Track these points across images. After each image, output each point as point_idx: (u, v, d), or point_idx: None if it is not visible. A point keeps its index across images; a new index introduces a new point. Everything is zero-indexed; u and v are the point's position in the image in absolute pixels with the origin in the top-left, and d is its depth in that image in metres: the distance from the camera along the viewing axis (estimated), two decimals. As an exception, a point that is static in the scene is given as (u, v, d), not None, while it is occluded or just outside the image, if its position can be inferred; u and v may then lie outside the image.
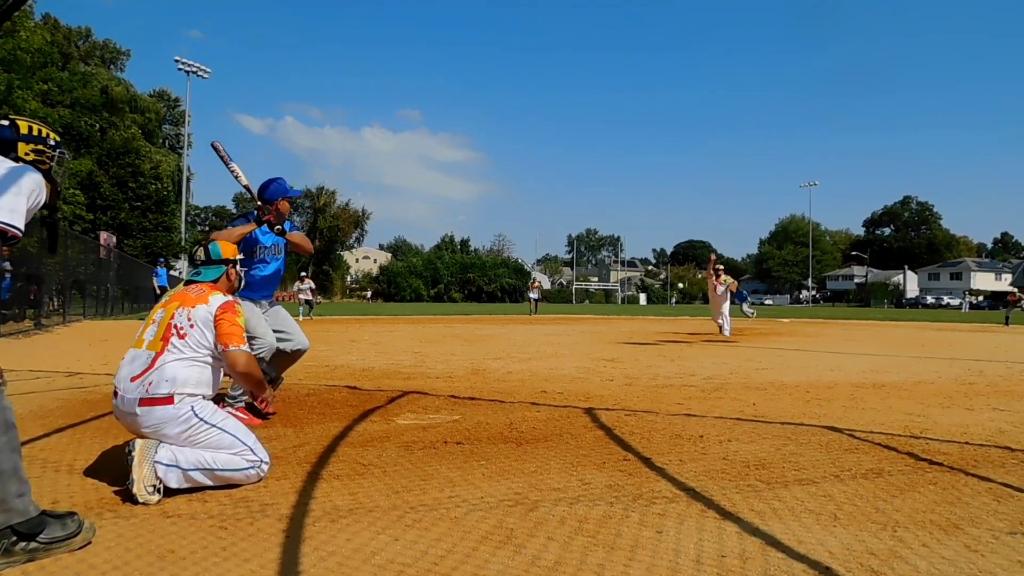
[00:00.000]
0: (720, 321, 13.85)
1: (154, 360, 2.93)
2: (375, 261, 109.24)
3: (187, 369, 2.96)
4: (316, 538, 2.36)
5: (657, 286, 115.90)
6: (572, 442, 3.93)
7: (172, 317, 3.04)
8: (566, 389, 6.13)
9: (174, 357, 2.94)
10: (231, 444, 2.95)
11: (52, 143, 2.67)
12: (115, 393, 2.97)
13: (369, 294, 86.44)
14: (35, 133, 2.62)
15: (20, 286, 15.16)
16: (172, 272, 33.15)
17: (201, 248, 3.40)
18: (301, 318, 22.44)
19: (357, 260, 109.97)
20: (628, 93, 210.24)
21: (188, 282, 3.35)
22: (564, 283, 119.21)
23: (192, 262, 3.38)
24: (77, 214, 29.85)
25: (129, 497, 2.71)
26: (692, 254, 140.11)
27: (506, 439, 3.99)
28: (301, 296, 23.80)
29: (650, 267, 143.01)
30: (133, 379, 2.91)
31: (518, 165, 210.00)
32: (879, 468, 3.38)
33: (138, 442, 2.77)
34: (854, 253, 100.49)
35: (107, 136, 39.09)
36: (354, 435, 4.07)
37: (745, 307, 16.63)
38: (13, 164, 2.44)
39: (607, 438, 4.06)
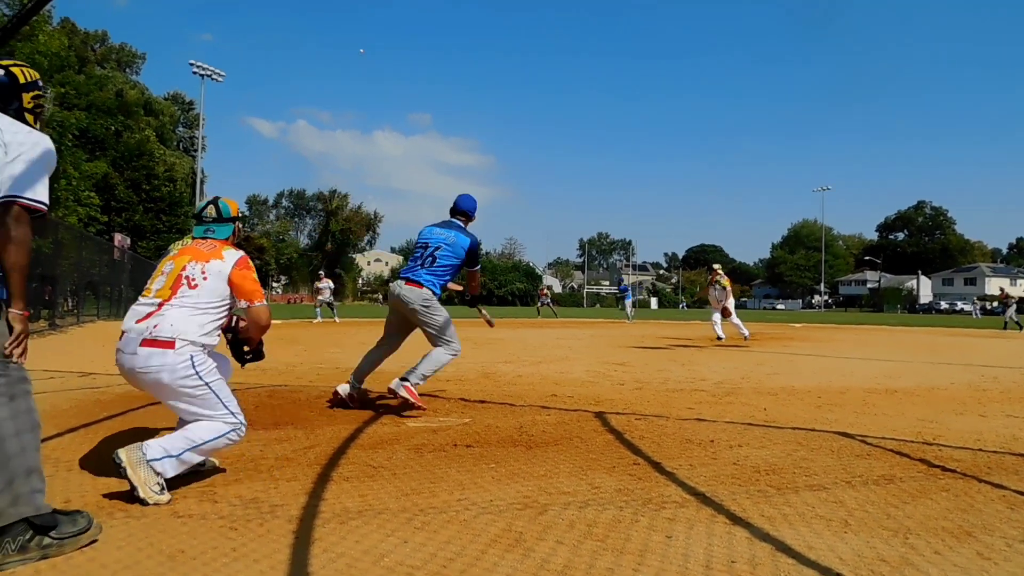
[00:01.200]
0: (736, 321, 13.89)
1: (160, 305, 2.98)
2: (387, 264, 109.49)
3: (192, 317, 2.98)
4: (326, 540, 2.37)
5: (668, 290, 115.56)
6: (582, 446, 3.93)
7: (183, 269, 3.07)
8: (576, 393, 6.12)
9: (181, 304, 2.98)
10: (214, 405, 2.96)
11: (41, 85, 2.69)
12: (120, 336, 2.99)
13: (381, 297, 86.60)
14: (31, 79, 2.64)
15: (35, 287, 15.30)
16: None
17: (212, 206, 3.40)
18: (321, 320, 22.48)
19: (369, 263, 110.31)
20: (638, 98, 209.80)
21: (196, 238, 3.33)
22: (575, 287, 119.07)
23: (200, 219, 3.37)
24: (92, 216, 30.09)
25: (140, 498, 2.73)
26: (704, 258, 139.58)
27: (516, 442, 4.00)
28: (320, 298, 23.80)
29: (662, 271, 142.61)
30: (138, 321, 2.95)
31: (529, 168, 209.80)
32: (891, 474, 3.36)
33: (122, 452, 2.72)
34: (867, 258, 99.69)
35: (122, 139, 39.45)
36: (364, 437, 4.09)
37: (628, 306, 16.29)
38: (26, 131, 2.44)
39: (617, 442, 4.06)
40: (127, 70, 50.18)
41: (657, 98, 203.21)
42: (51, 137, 2.58)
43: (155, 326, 2.91)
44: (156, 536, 2.37)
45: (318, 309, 23.54)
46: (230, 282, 3.10)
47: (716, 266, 15.13)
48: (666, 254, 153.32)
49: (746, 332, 14.00)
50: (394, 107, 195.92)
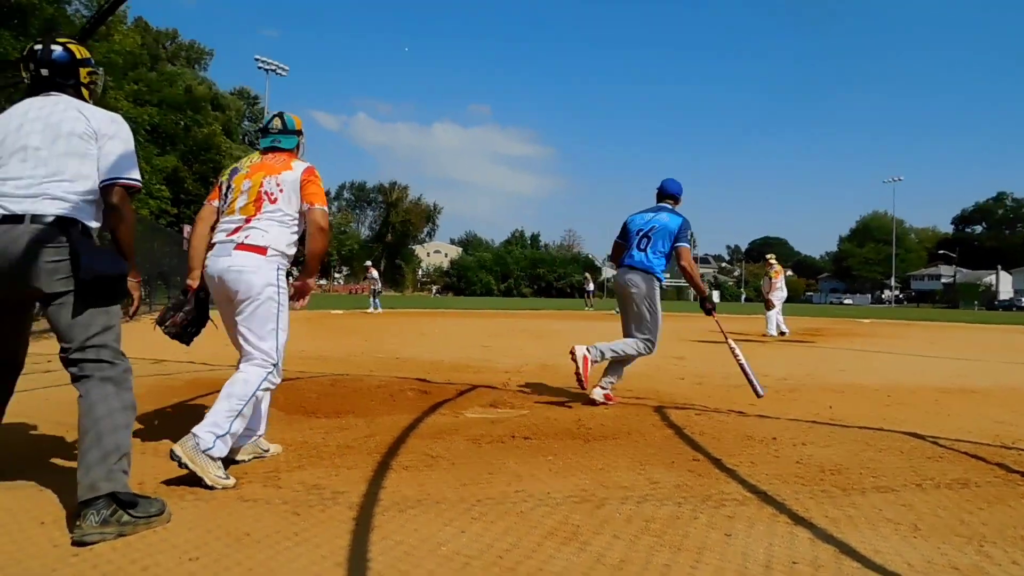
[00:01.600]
0: (770, 315, 13.95)
1: (248, 220, 3.18)
2: (446, 255, 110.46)
3: (278, 228, 3.19)
4: (384, 527, 2.42)
5: (731, 283, 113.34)
6: (640, 440, 3.89)
7: (261, 185, 3.23)
8: (635, 386, 6.07)
9: (267, 217, 3.18)
10: (270, 331, 3.12)
11: (93, 62, 2.91)
12: (210, 247, 3.24)
13: (435, 289, 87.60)
14: (86, 56, 2.84)
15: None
16: None
17: (277, 118, 3.53)
18: (373, 311, 22.87)
19: (428, 254, 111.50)
20: (700, 88, 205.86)
21: (265, 150, 3.45)
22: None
23: (267, 131, 3.50)
24: (163, 208, 31.30)
25: (208, 486, 2.82)
26: (768, 251, 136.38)
27: (573, 435, 3.99)
28: (374, 288, 24.12)
29: (724, 264, 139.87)
30: (228, 235, 3.17)
31: (588, 160, 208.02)
32: (965, 478, 3.22)
33: (177, 448, 2.82)
34: (941, 252, 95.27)
35: (191, 133, 40.84)
36: (423, 427, 4.15)
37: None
38: (107, 116, 2.70)
39: (676, 437, 4.01)
40: (196, 66, 51.73)
41: (719, 89, 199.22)
42: None
43: (247, 236, 3.13)
44: (223, 519, 2.46)
45: (373, 301, 23.83)
46: (299, 186, 3.25)
47: (769, 256, 14.92)
48: (728, 246, 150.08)
49: (772, 330, 13.71)
50: (453, 98, 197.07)
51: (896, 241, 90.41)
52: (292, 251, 3.27)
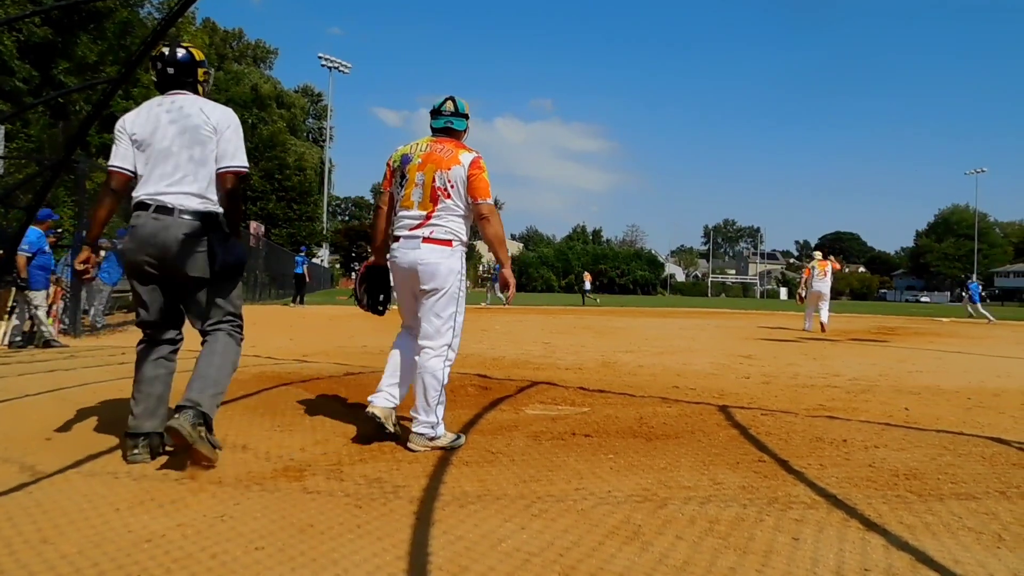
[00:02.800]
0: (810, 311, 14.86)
1: (428, 215, 3.51)
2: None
3: (456, 220, 3.54)
4: (445, 522, 2.43)
5: (800, 280, 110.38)
6: (704, 440, 3.81)
7: (433, 180, 3.51)
8: (699, 385, 5.96)
9: (444, 211, 3.51)
10: (451, 315, 3.56)
11: (207, 63, 3.46)
12: (395, 239, 3.61)
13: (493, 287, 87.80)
14: (202, 58, 3.41)
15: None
16: (315, 259, 34.91)
17: (449, 100, 3.71)
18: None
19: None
20: (769, 83, 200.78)
21: (436, 132, 3.70)
22: (699, 275, 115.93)
23: (439, 113, 3.70)
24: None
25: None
26: (839, 247, 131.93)
27: (635, 434, 3.93)
28: None
29: (792, 260, 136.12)
30: (411, 230, 3.53)
31: (653, 154, 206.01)
32: (1054, 486, 3.03)
33: (411, 445, 3.44)
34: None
35: (256, 131, 42.00)
36: (483, 423, 4.16)
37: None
38: (222, 110, 3.25)
39: (741, 437, 3.91)
40: (261, 65, 53.11)
41: (789, 82, 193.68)
42: None
43: (431, 232, 3.50)
44: (288, 510, 2.51)
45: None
46: (467, 181, 3.53)
47: (816, 253, 15.79)
48: (797, 242, 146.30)
49: (808, 324, 14.73)
50: (515, 93, 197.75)
51: (979, 236, 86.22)
52: (466, 238, 3.62)
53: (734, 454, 3.50)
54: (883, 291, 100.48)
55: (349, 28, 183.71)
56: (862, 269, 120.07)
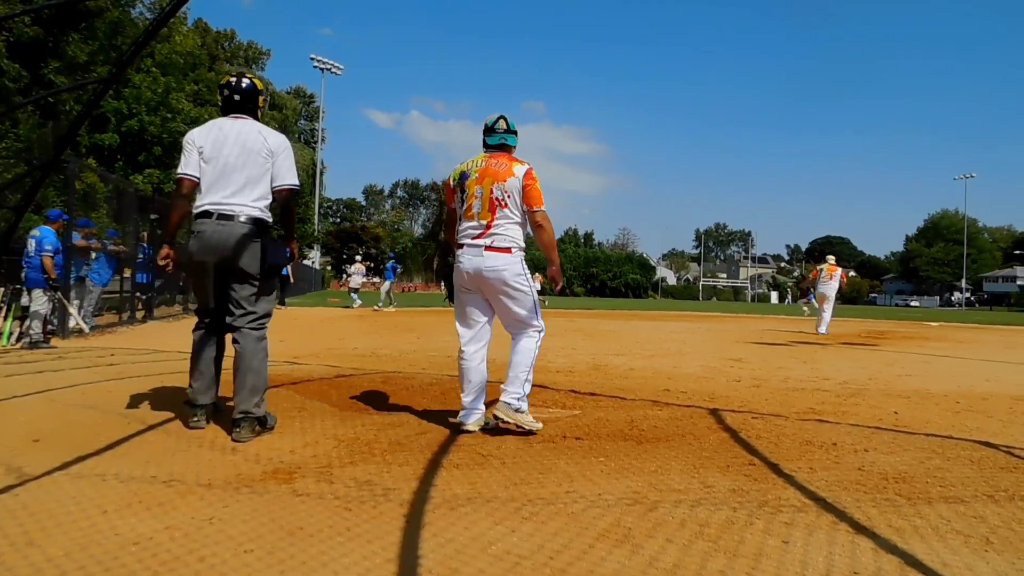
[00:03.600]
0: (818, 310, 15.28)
1: (489, 225, 3.87)
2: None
3: (513, 227, 3.90)
4: (435, 524, 2.42)
5: (790, 284, 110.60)
6: (695, 443, 3.82)
7: (491, 192, 3.86)
8: (690, 388, 5.97)
9: (504, 221, 3.87)
10: (532, 306, 4.00)
11: (265, 92, 4.06)
12: (460, 246, 3.96)
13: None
14: (262, 88, 4.01)
15: (171, 272, 16.47)
16: (306, 261, 34.72)
17: (501, 119, 4.06)
18: (359, 305, 22.57)
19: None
20: (760, 87, 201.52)
21: (490, 148, 4.05)
22: (690, 279, 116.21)
23: (493, 131, 4.05)
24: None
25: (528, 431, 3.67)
26: (830, 251, 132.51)
27: (626, 437, 3.94)
28: (352, 284, 23.47)
29: (783, 264, 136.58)
30: (474, 238, 3.89)
31: (644, 158, 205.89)
32: (1041, 490, 3.05)
33: (497, 412, 3.89)
34: (1017, 252, 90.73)
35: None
36: (475, 425, 4.14)
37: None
38: (277, 136, 3.85)
39: (732, 441, 3.92)
40: (253, 66, 52.74)
41: (779, 84, 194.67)
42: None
43: (492, 240, 3.85)
44: (277, 513, 2.50)
45: (354, 295, 23.19)
46: (522, 191, 3.88)
47: (830, 258, 16.07)
48: (788, 246, 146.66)
49: (823, 328, 15.14)
50: (507, 96, 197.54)
51: (968, 240, 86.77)
52: (523, 243, 3.99)
53: (724, 457, 3.51)
54: (873, 295, 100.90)
55: (340, 29, 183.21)
56: (852, 273, 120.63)
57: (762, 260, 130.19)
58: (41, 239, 8.65)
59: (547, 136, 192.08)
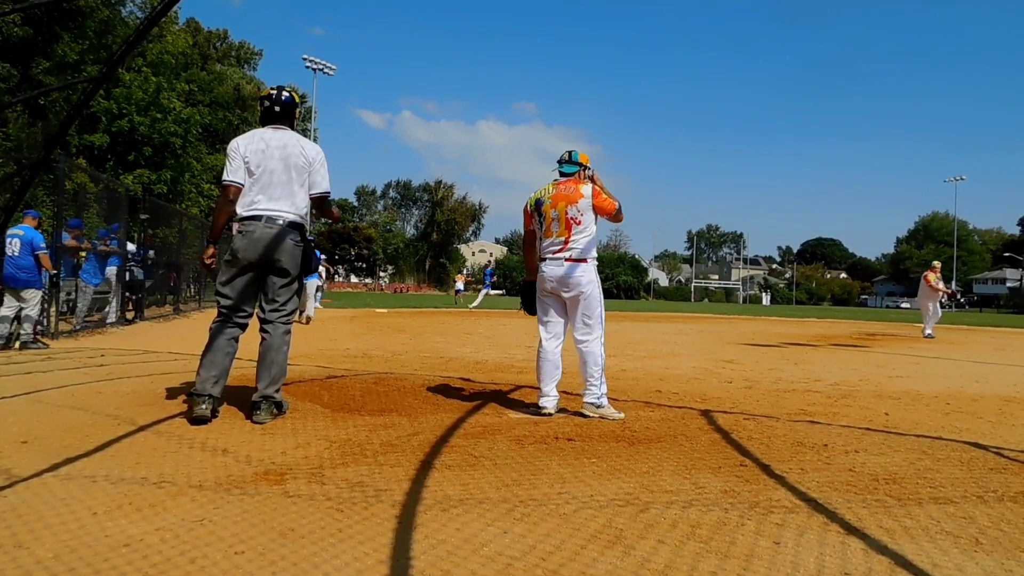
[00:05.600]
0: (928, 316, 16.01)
1: (567, 241, 4.52)
2: (491, 255, 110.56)
3: (587, 240, 4.54)
4: (427, 526, 2.42)
5: (782, 285, 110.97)
6: (687, 444, 3.82)
7: (566, 212, 4.51)
8: (682, 389, 5.98)
9: (580, 236, 4.53)
10: (599, 314, 4.58)
11: (301, 106, 4.66)
12: (542, 259, 4.62)
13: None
14: (298, 100, 4.37)
15: (161, 273, 16.45)
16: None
17: (567, 152, 4.73)
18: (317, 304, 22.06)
19: (473, 253, 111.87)
20: (752, 89, 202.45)
21: (563, 174, 4.69)
22: (683, 280, 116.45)
23: (568, 162, 4.70)
24: (212, 207, 31.96)
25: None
26: (820, 252, 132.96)
27: (618, 438, 3.94)
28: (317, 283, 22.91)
29: (774, 265, 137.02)
30: (555, 253, 4.54)
31: (636, 159, 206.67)
32: (1030, 490, 3.07)
33: (585, 411, 4.53)
34: (1007, 254, 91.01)
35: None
36: (467, 426, 4.14)
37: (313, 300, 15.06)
38: (313, 146, 4.27)
39: (723, 442, 3.93)
40: (245, 66, 52.21)
41: (770, 89, 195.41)
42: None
43: (570, 252, 4.51)
44: (268, 514, 2.49)
45: (318, 294, 22.30)
46: (592, 205, 4.52)
47: (936, 263, 16.66)
48: (779, 247, 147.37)
49: (928, 331, 15.88)
50: (499, 96, 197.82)
51: (958, 243, 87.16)
52: (596, 252, 4.64)
53: (716, 458, 3.51)
54: (864, 297, 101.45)
55: (332, 29, 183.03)
56: (843, 275, 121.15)
57: (754, 262, 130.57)
58: (31, 238, 8.59)
59: (538, 137, 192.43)
